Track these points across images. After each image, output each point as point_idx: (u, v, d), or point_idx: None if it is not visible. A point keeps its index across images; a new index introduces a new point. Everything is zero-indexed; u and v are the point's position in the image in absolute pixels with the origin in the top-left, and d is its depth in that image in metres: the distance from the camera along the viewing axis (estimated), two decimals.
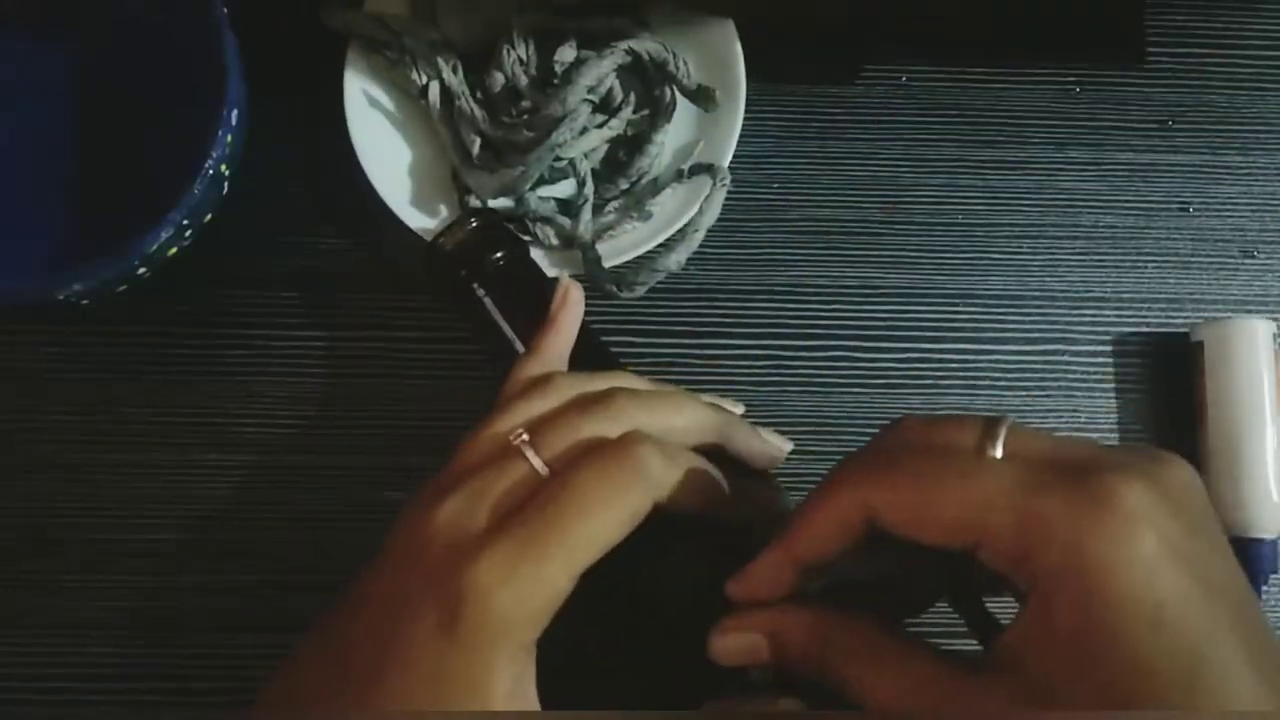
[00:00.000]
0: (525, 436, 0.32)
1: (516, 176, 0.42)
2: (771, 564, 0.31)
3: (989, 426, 0.29)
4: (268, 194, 0.45)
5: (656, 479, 0.31)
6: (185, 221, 0.39)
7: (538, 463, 0.31)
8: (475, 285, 0.39)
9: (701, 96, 0.43)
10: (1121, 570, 0.25)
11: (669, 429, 0.33)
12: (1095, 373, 0.45)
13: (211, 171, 0.39)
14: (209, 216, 0.42)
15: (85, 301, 0.41)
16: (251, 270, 0.45)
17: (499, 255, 0.39)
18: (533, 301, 0.39)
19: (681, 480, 0.32)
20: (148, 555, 0.43)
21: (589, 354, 0.38)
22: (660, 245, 0.43)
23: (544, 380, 0.35)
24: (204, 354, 0.44)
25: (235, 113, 0.40)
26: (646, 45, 0.42)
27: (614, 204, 0.44)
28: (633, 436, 0.31)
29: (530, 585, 0.29)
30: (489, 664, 0.29)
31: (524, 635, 0.30)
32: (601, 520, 0.30)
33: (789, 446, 0.37)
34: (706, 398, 0.37)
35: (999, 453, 0.28)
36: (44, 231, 0.43)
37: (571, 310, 0.38)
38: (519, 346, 0.38)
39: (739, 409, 0.38)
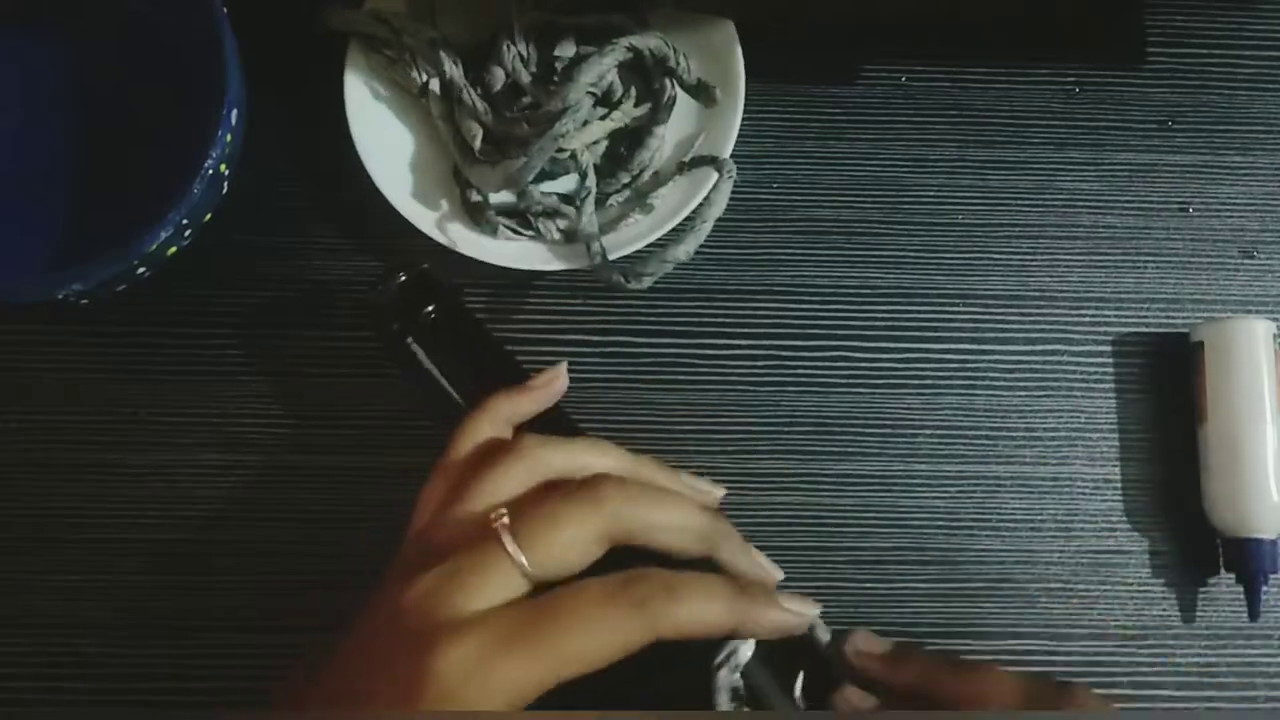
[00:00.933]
0: (506, 520, 0.31)
1: (520, 168, 0.42)
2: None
3: None
4: (267, 193, 0.45)
5: (660, 618, 0.30)
6: (185, 221, 0.39)
7: (521, 559, 0.31)
8: (409, 339, 0.39)
9: (701, 92, 0.43)
10: None
11: (657, 527, 0.32)
12: (1095, 373, 0.45)
13: (211, 171, 0.39)
14: (208, 216, 0.41)
15: (85, 301, 0.41)
16: (251, 269, 0.45)
17: (430, 309, 0.39)
18: (468, 353, 0.39)
19: (684, 617, 0.31)
20: (148, 554, 0.43)
21: (555, 421, 0.38)
22: (668, 236, 0.43)
23: (518, 449, 0.34)
24: (203, 353, 0.44)
25: (235, 112, 0.40)
26: (648, 41, 0.43)
27: (616, 197, 0.44)
28: (641, 574, 0.30)
29: (501, 678, 0.29)
30: None
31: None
32: (592, 646, 0.30)
33: (780, 575, 0.36)
34: (688, 479, 0.37)
35: None
36: (44, 231, 0.43)
37: (552, 389, 0.37)
38: (457, 398, 0.38)
39: (719, 492, 0.37)
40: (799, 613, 0.33)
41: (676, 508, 0.33)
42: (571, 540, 0.31)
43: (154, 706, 0.42)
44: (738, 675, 0.34)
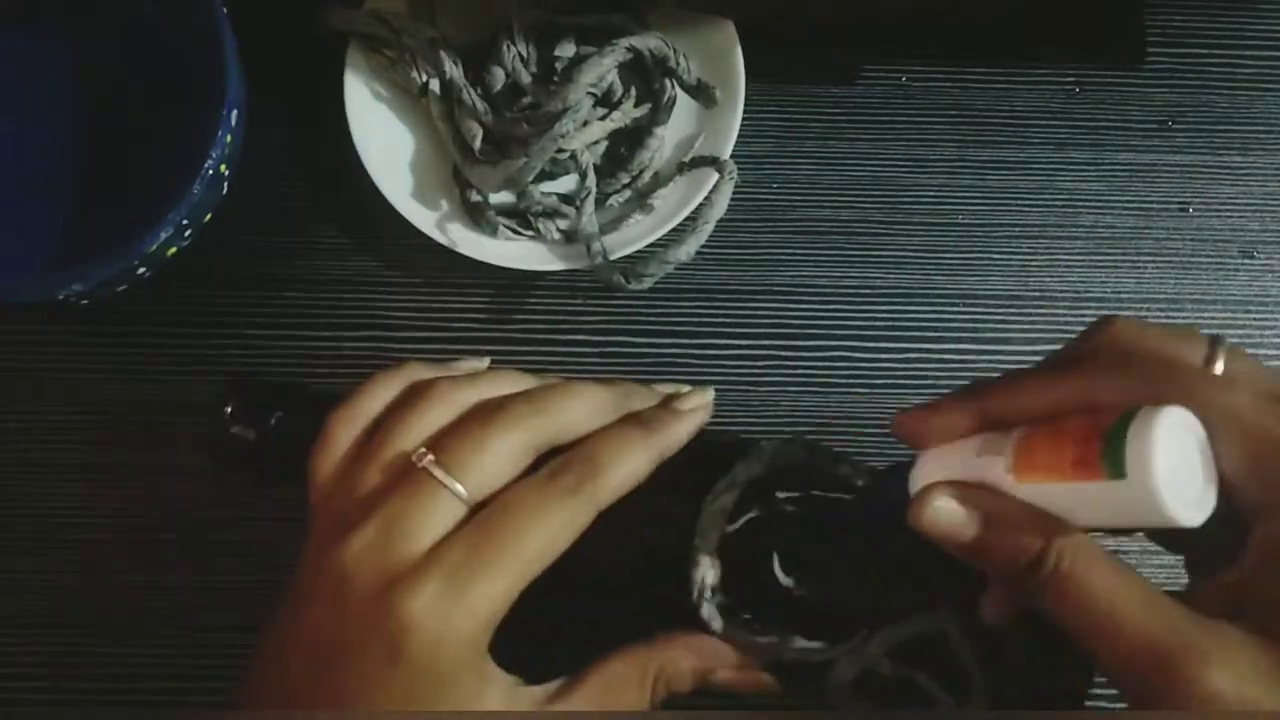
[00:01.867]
0: (431, 457, 0.32)
1: (520, 168, 0.42)
2: (958, 405, 0.30)
3: (1213, 344, 0.28)
4: (267, 194, 0.45)
5: (596, 494, 0.32)
6: (185, 221, 0.39)
7: (457, 487, 0.31)
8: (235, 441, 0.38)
9: (701, 93, 0.43)
10: None
11: (573, 422, 0.34)
12: None
13: (211, 171, 0.39)
14: (209, 216, 0.41)
15: (85, 301, 0.41)
16: (251, 270, 0.45)
17: (272, 420, 0.38)
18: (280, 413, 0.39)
19: (615, 482, 0.32)
20: (148, 555, 0.43)
21: None
22: (669, 236, 0.43)
23: (426, 387, 0.34)
24: (204, 354, 0.44)
25: (235, 113, 0.40)
26: (648, 42, 0.43)
27: (616, 198, 0.44)
28: (561, 463, 0.32)
29: (477, 600, 0.30)
30: (449, 680, 0.30)
31: (479, 644, 0.30)
32: (541, 541, 0.31)
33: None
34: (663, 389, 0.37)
35: (1220, 370, 0.28)
36: (44, 231, 0.43)
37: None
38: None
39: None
40: (699, 404, 0.36)
41: (582, 397, 0.34)
42: (499, 457, 0.32)
43: (155, 707, 0.42)
44: (716, 597, 0.34)
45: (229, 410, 0.38)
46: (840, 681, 0.34)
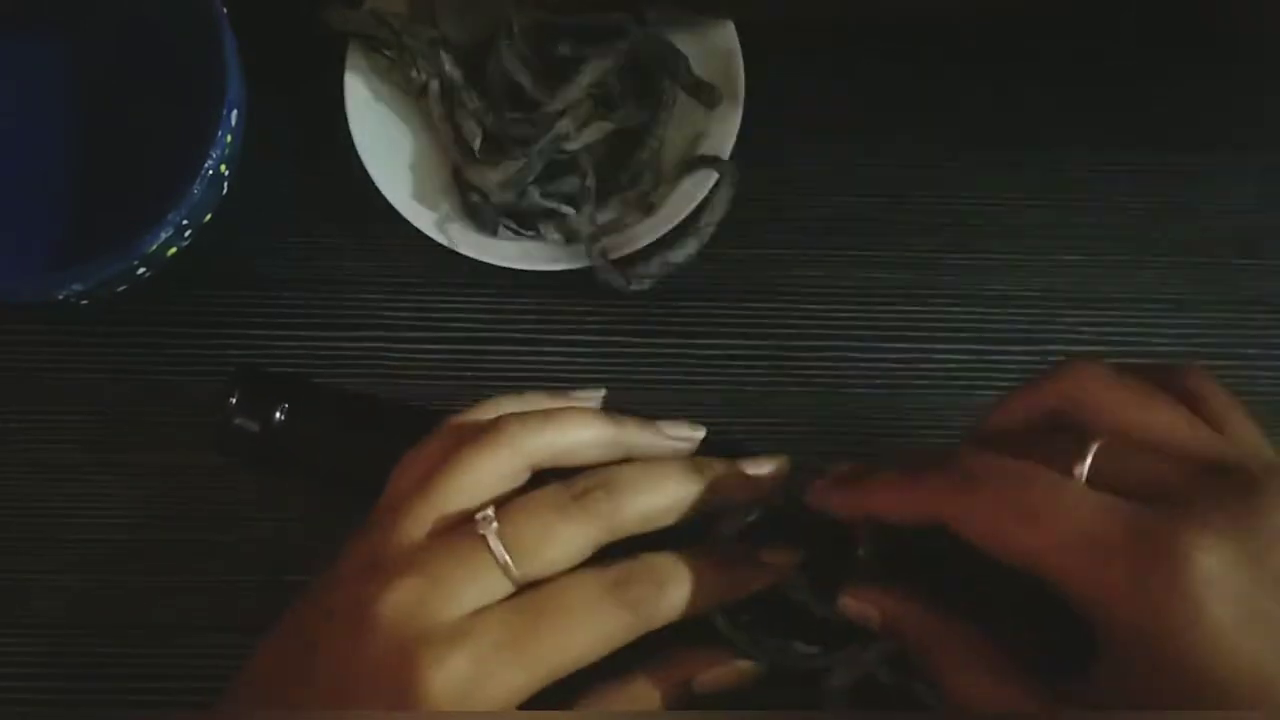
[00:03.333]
0: (495, 525, 0.30)
1: (520, 168, 0.42)
2: (840, 493, 0.32)
3: (1078, 446, 0.29)
4: (267, 194, 0.45)
5: (653, 616, 0.31)
6: (185, 221, 0.39)
7: (510, 566, 0.30)
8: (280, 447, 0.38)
9: (702, 92, 0.43)
10: (1192, 643, 0.25)
11: (647, 519, 0.32)
12: None
13: (211, 172, 0.39)
14: (209, 216, 0.41)
15: (84, 301, 0.41)
16: (251, 270, 0.45)
17: (279, 410, 0.38)
18: (345, 422, 0.39)
19: (674, 607, 0.31)
20: (148, 555, 0.43)
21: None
22: (669, 237, 0.43)
23: (497, 432, 0.32)
24: (204, 354, 0.44)
25: (235, 113, 0.40)
26: (650, 42, 0.42)
27: (617, 198, 0.44)
28: (630, 575, 0.31)
29: (499, 689, 0.29)
30: None
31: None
32: (590, 647, 0.30)
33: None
34: (670, 429, 0.36)
35: (1084, 474, 0.28)
36: (43, 231, 0.43)
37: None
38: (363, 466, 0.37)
39: (699, 433, 0.37)
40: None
41: (663, 487, 0.33)
42: (564, 549, 0.31)
43: (157, 708, 0.42)
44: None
45: (233, 401, 0.38)
46: (837, 688, 0.34)
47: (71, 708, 0.42)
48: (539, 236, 0.43)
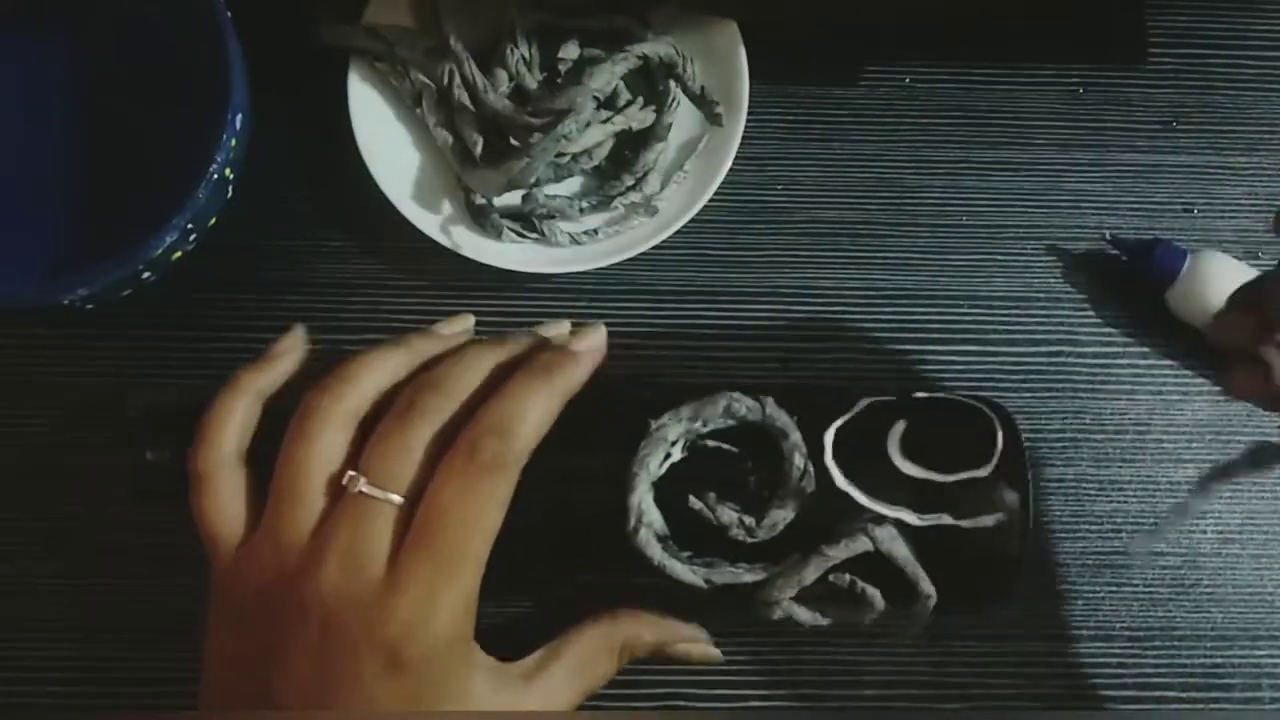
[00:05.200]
0: (362, 480, 0.33)
1: (522, 169, 0.42)
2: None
3: None
4: (271, 197, 0.45)
5: (507, 459, 0.33)
6: (189, 225, 0.39)
7: (392, 498, 0.33)
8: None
9: (705, 105, 0.43)
10: None
11: (473, 392, 0.34)
12: (1100, 374, 0.45)
13: (216, 175, 0.39)
14: (213, 220, 0.41)
15: (89, 305, 0.41)
16: (255, 273, 0.45)
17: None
18: None
19: (527, 439, 0.33)
20: (153, 559, 0.43)
21: None
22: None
23: (304, 412, 0.34)
24: (208, 357, 0.44)
25: (239, 116, 0.40)
26: (659, 49, 0.42)
27: (620, 200, 0.44)
28: (470, 444, 0.33)
29: (452, 600, 0.32)
30: (445, 676, 0.32)
31: (465, 637, 0.33)
32: (484, 522, 0.32)
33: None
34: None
35: None
36: (48, 236, 0.43)
37: (291, 358, 0.38)
38: None
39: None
40: (594, 344, 0.37)
41: (477, 365, 0.35)
42: (424, 453, 0.33)
43: (159, 710, 0.42)
44: (653, 527, 0.35)
45: (143, 437, 0.37)
46: (776, 599, 0.34)
47: (77, 712, 0.42)
48: (543, 239, 0.43)
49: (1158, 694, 0.43)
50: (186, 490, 0.35)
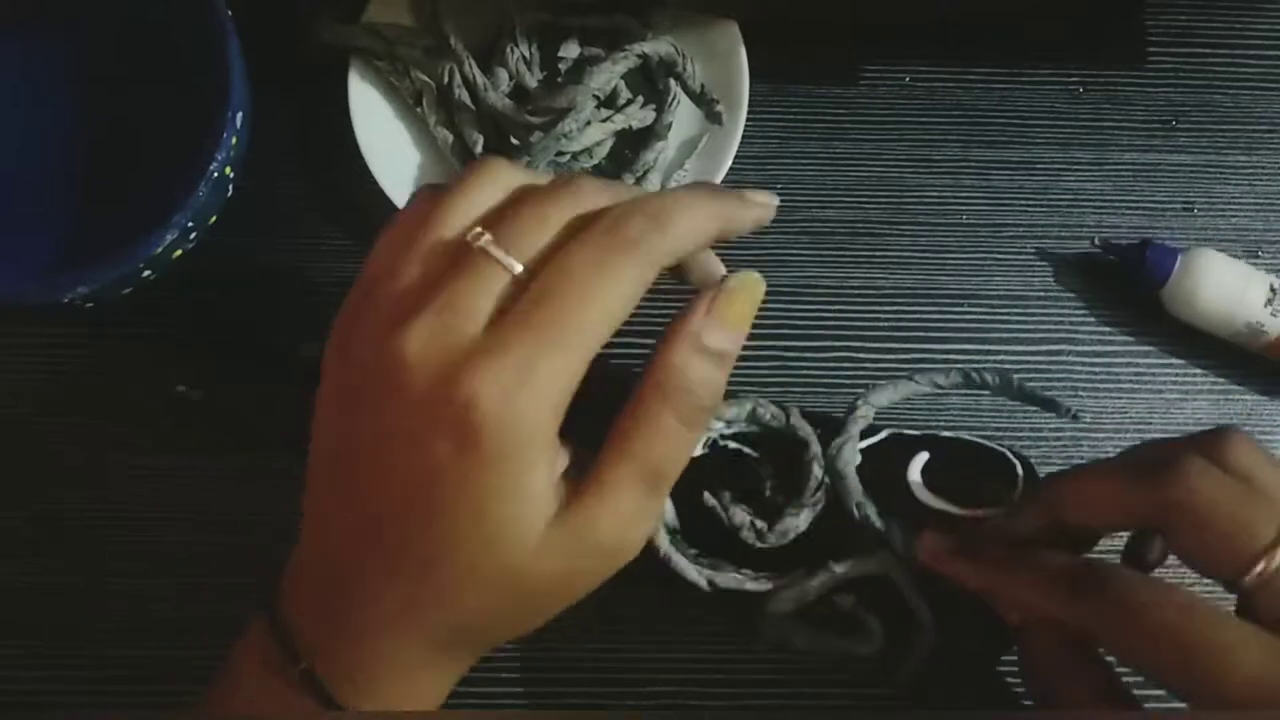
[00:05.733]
0: (487, 236, 0.29)
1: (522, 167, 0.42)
2: (966, 565, 0.35)
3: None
4: (271, 195, 0.46)
5: (658, 252, 0.29)
6: (190, 224, 0.40)
7: (512, 263, 0.28)
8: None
9: (705, 104, 0.43)
10: None
11: (635, 200, 0.31)
12: (1100, 373, 0.45)
13: (216, 174, 0.39)
14: (213, 219, 0.42)
15: (89, 304, 0.41)
16: (256, 272, 0.45)
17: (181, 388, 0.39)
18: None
19: (678, 242, 0.30)
20: (153, 557, 0.43)
21: None
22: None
23: (481, 168, 0.31)
24: (208, 356, 0.44)
25: (239, 115, 0.40)
26: (659, 48, 0.42)
27: None
28: (620, 214, 0.29)
29: (548, 378, 0.28)
30: (524, 467, 0.28)
31: (549, 429, 0.28)
32: (608, 302, 0.28)
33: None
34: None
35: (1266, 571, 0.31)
36: (47, 234, 0.43)
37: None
38: None
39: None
40: (766, 201, 0.33)
41: (625, 192, 0.31)
42: (553, 227, 0.29)
43: (161, 709, 0.42)
44: (660, 521, 0.35)
45: (176, 372, 0.39)
46: (778, 612, 0.34)
47: (78, 710, 0.42)
48: None
49: (1158, 693, 0.43)
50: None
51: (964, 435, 0.39)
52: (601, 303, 0.28)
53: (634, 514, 0.30)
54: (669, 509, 0.35)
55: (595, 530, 0.29)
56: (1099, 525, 0.35)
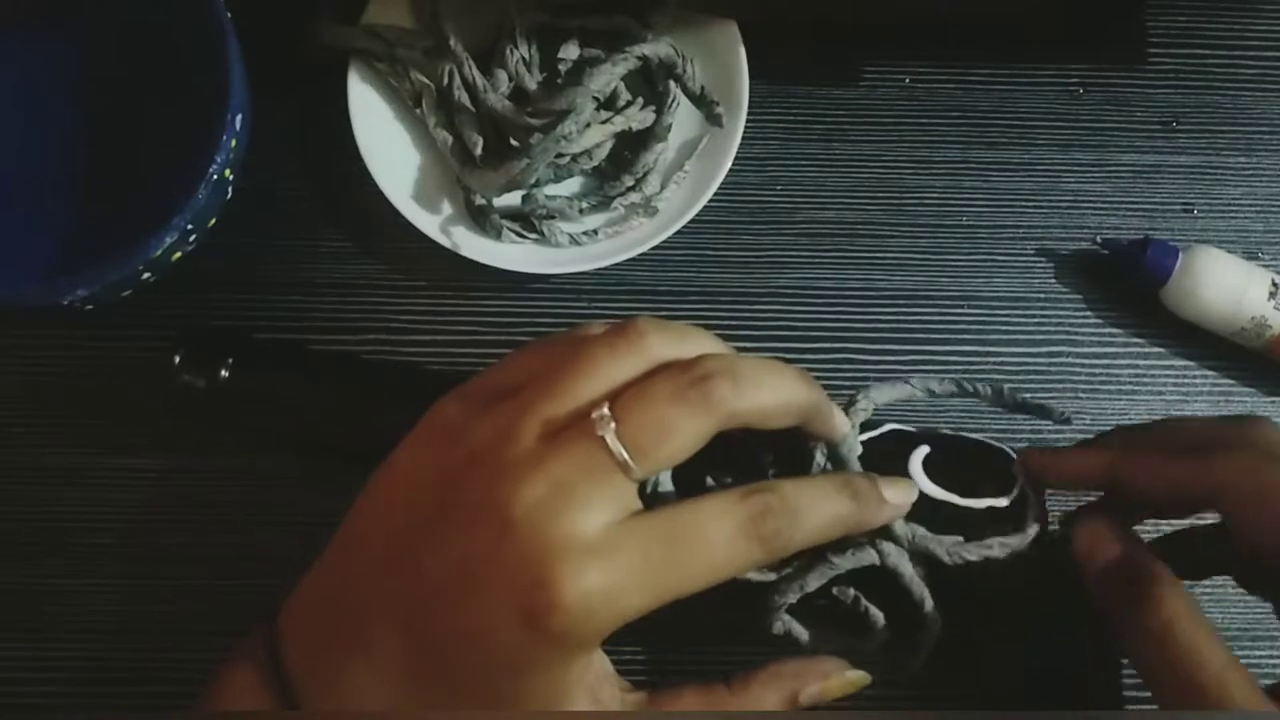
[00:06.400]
0: (613, 425, 0.28)
1: (522, 169, 0.42)
2: (1088, 454, 0.36)
3: None
4: (271, 197, 0.46)
5: (786, 548, 0.30)
6: (189, 226, 0.39)
7: (633, 470, 0.28)
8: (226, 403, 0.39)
9: (705, 105, 0.43)
10: None
11: (765, 415, 0.30)
12: (1100, 374, 0.45)
13: (216, 176, 0.39)
14: (213, 220, 0.42)
15: (89, 306, 0.41)
16: (254, 274, 0.45)
17: (223, 370, 0.39)
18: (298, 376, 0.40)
19: (806, 538, 0.30)
20: (154, 559, 0.43)
21: None
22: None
23: (628, 331, 0.30)
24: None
25: (239, 116, 0.40)
26: (659, 50, 0.42)
27: (620, 200, 0.44)
28: (766, 506, 0.29)
29: (626, 609, 0.28)
30: (570, 663, 0.29)
31: (603, 638, 0.29)
32: (714, 575, 0.29)
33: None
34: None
35: None
36: (48, 236, 0.43)
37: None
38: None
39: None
40: (903, 499, 0.33)
41: (781, 387, 0.31)
42: (682, 443, 0.29)
43: (162, 710, 0.42)
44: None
45: (178, 359, 0.39)
46: (779, 605, 0.34)
47: (80, 711, 0.42)
48: (543, 239, 0.43)
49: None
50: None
51: (964, 434, 0.38)
52: (710, 575, 0.29)
53: None
54: (671, 495, 0.35)
55: None
56: (1141, 489, 0.35)
